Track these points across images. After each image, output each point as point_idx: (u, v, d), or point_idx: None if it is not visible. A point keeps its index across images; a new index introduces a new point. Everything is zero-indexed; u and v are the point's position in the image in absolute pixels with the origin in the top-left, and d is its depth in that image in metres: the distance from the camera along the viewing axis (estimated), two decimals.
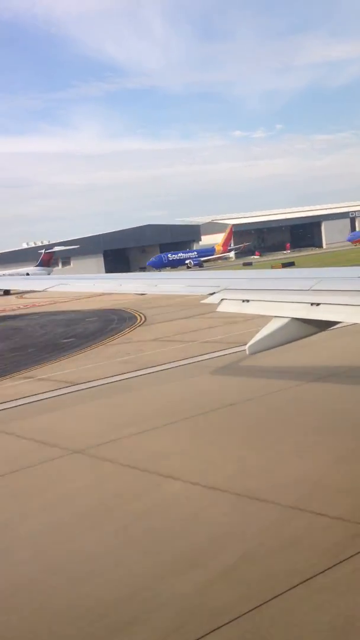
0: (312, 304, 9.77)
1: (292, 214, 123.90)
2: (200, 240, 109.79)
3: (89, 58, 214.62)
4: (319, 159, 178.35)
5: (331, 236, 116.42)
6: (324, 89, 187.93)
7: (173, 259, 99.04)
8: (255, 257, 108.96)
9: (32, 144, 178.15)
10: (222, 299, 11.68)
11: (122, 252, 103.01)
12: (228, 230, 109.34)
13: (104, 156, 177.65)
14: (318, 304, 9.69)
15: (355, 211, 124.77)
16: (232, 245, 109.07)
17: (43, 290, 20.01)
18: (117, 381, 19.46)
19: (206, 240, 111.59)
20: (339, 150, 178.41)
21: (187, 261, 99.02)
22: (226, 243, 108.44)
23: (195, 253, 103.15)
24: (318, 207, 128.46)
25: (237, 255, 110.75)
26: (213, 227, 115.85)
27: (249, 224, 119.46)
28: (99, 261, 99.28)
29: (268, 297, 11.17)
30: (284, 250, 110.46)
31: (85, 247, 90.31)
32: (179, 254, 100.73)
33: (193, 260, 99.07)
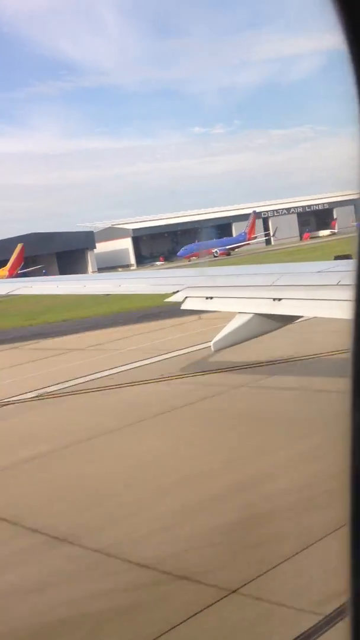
0: (274, 299, 10.00)
1: (203, 215, 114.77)
2: (95, 247, 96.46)
3: (44, 57, 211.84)
4: (277, 153, 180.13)
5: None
6: (279, 84, 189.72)
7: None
8: (160, 263, 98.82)
9: None
10: (185, 297, 11.84)
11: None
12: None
13: (63, 155, 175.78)
14: (280, 299, 9.93)
15: (267, 211, 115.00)
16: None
17: (6, 294, 19.92)
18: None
19: (105, 246, 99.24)
20: (296, 144, 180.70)
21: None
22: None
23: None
24: (229, 207, 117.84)
25: (140, 262, 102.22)
26: (113, 233, 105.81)
27: (152, 227, 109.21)
28: None
29: (231, 294, 11.39)
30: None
31: None
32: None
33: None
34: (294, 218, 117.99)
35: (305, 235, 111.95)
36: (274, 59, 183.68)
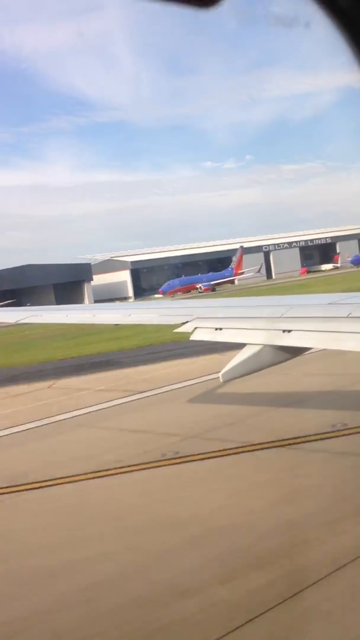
0: (283, 330, 9.96)
1: (205, 249, 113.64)
2: (92, 279, 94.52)
3: (59, 93, 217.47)
4: (287, 188, 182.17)
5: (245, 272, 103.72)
6: (290, 120, 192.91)
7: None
8: (158, 295, 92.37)
9: (3, 177, 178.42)
10: (195, 328, 11.81)
11: None
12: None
13: (76, 188, 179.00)
14: (290, 331, 9.88)
15: (269, 245, 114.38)
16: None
17: (15, 323, 19.97)
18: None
19: (103, 279, 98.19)
20: (307, 179, 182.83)
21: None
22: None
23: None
24: (232, 240, 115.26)
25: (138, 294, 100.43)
26: (112, 265, 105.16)
27: (150, 260, 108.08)
28: None
29: (241, 325, 11.35)
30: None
31: None
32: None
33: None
34: (296, 252, 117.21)
35: (302, 270, 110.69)
36: (285, 97, 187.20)
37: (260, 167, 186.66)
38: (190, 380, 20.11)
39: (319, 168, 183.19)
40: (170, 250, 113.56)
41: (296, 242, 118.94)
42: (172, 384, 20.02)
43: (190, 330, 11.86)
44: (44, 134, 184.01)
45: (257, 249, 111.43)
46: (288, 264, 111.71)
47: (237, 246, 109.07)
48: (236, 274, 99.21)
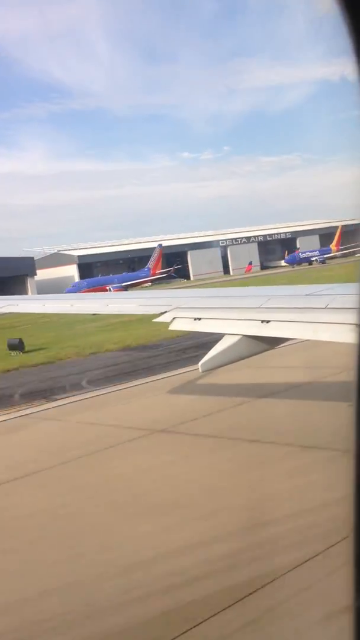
0: (262, 321, 10.00)
1: (161, 242, 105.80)
2: (36, 274, 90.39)
3: (33, 79, 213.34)
4: (265, 180, 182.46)
5: (199, 267, 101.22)
6: (267, 112, 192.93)
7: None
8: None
9: None
10: (174, 318, 11.81)
11: None
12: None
13: (52, 177, 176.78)
14: (268, 321, 9.92)
15: (226, 239, 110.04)
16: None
17: None
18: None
19: (49, 273, 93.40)
20: (284, 172, 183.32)
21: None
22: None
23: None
24: (187, 234, 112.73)
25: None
26: (59, 259, 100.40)
27: (98, 254, 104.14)
28: None
29: (220, 315, 11.37)
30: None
31: None
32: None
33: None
34: (254, 247, 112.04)
35: (247, 267, 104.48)
36: (262, 88, 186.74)
37: (238, 159, 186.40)
38: None
39: (296, 160, 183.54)
40: (124, 244, 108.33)
41: (255, 237, 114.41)
42: None
43: (169, 320, 11.86)
44: (19, 121, 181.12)
45: (215, 244, 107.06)
46: (246, 260, 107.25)
47: (191, 241, 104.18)
48: (154, 274, 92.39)
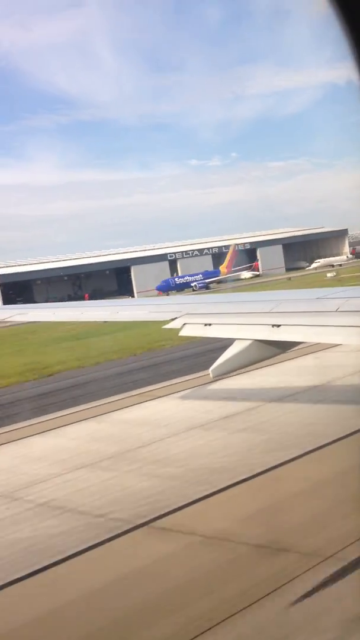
0: (273, 325, 9.96)
1: (107, 257, 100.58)
2: None
3: (40, 91, 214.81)
4: (273, 185, 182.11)
5: (143, 283, 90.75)
6: (274, 117, 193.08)
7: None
8: None
9: None
10: (184, 324, 11.80)
11: None
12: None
13: (60, 187, 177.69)
14: (279, 326, 9.89)
15: (175, 252, 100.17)
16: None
17: (2, 320, 19.90)
18: None
19: None
20: (293, 176, 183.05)
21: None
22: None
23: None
24: (130, 248, 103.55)
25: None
26: None
27: (21, 273, 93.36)
28: None
29: (230, 320, 11.35)
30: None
31: None
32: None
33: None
34: (208, 259, 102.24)
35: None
36: (268, 93, 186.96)
37: (246, 165, 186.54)
38: None
39: (304, 165, 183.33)
40: (62, 260, 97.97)
41: (208, 248, 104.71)
42: None
43: (179, 327, 11.84)
44: (26, 133, 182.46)
45: (162, 257, 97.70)
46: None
47: (134, 255, 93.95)
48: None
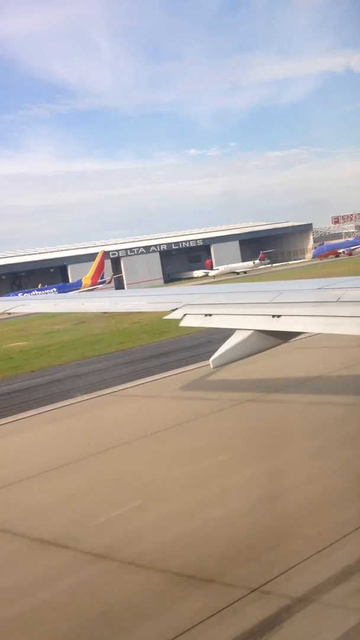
0: (273, 315, 9.93)
1: (47, 254, 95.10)
2: None
3: (38, 80, 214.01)
4: (273, 174, 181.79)
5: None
6: (273, 106, 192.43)
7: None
8: None
9: None
10: (184, 314, 11.75)
11: None
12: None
13: (59, 177, 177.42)
14: (279, 316, 9.85)
15: (119, 250, 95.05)
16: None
17: (4, 312, 19.81)
18: None
19: None
20: (292, 166, 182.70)
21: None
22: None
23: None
24: (67, 246, 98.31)
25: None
26: None
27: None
28: None
29: (230, 311, 11.31)
30: None
31: None
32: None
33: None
34: (155, 257, 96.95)
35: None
36: (267, 82, 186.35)
37: (245, 154, 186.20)
38: None
39: (303, 154, 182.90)
40: (31, 254, 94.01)
41: (155, 245, 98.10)
42: None
43: (179, 317, 11.80)
44: (24, 122, 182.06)
45: (91, 257, 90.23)
46: (145, 272, 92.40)
47: (72, 253, 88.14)
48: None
